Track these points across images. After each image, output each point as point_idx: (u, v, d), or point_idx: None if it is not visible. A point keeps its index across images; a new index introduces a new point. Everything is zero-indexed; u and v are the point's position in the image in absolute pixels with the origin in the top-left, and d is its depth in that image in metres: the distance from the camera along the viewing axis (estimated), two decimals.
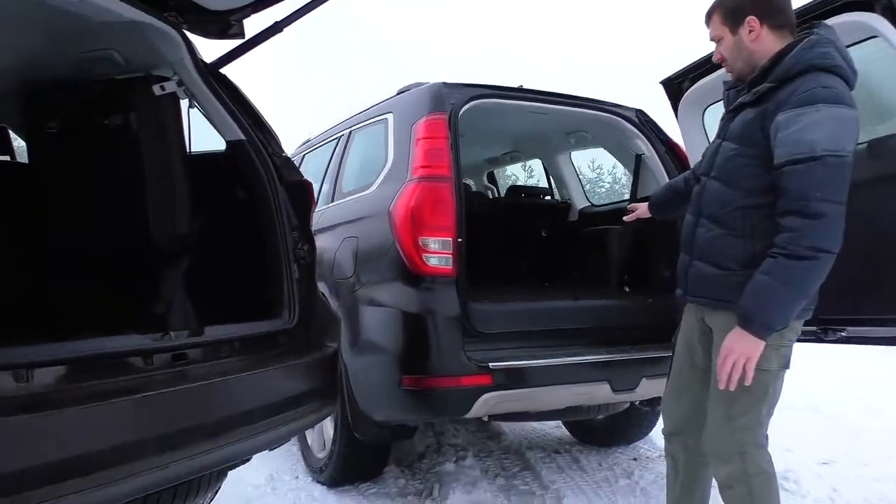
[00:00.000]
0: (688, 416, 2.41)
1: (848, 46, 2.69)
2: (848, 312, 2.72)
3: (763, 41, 2.09)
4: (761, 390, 2.09)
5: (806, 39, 2.04)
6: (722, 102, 2.37)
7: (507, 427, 4.84)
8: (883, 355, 6.14)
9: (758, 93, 2.05)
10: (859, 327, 2.76)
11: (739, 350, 1.97)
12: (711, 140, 2.40)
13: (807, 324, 2.88)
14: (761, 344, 1.97)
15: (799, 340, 2.32)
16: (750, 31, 2.09)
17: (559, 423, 4.84)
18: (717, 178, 2.18)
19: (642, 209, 2.99)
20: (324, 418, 2.57)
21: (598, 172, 22.63)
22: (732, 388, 2.00)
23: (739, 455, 2.12)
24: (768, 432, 2.21)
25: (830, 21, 2.57)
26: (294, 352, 2.21)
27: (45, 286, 2.47)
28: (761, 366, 2.03)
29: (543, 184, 5.01)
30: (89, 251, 2.49)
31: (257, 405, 1.89)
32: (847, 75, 2.00)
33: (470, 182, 5.49)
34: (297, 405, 2.09)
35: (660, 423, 4.41)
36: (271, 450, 2.21)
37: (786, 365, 2.15)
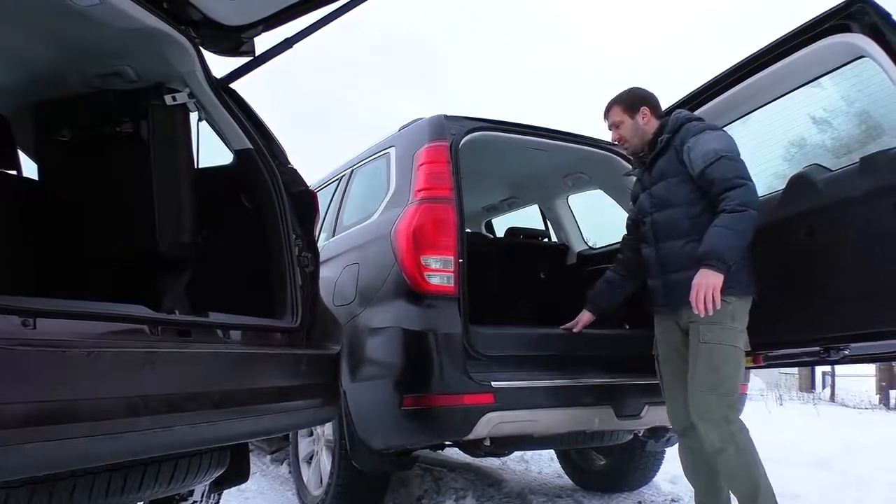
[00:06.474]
0: None
1: (837, 69, 2.83)
2: (849, 329, 2.72)
3: (650, 124, 3.00)
4: (736, 364, 2.73)
5: (673, 114, 3.01)
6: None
7: (507, 474, 4.71)
8: None
9: (663, 141, 2.91)
10: (862, 343, 2.75)
11: (706, 283, 2.58)
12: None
13: (809, 345, 2.90)
14: (720, 276, 2.58)
15: (802, 364, 2.46)
16: (643, 118, 2.99)
17: (561, 472, 4.72)
18: (660, 210, 2.90)
19: (585, 318, 3.27)
20: (325, 420, 2.51)
21: None
22: (710, 312, 2.58)
23: (724, 418, 2.67)
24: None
25: (815, 45, 2.72)
26: (296, 346, 2.20)
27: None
28: (736, 343, 2.71)
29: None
30: (96, 258, 2.50)
31: (258, 386, 1.87)
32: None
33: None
34: (300, 397, 2.06)
35: (663, 471, 4.34)
36: (270, 453, 2.14)
37: (746, 346, 2.78)
